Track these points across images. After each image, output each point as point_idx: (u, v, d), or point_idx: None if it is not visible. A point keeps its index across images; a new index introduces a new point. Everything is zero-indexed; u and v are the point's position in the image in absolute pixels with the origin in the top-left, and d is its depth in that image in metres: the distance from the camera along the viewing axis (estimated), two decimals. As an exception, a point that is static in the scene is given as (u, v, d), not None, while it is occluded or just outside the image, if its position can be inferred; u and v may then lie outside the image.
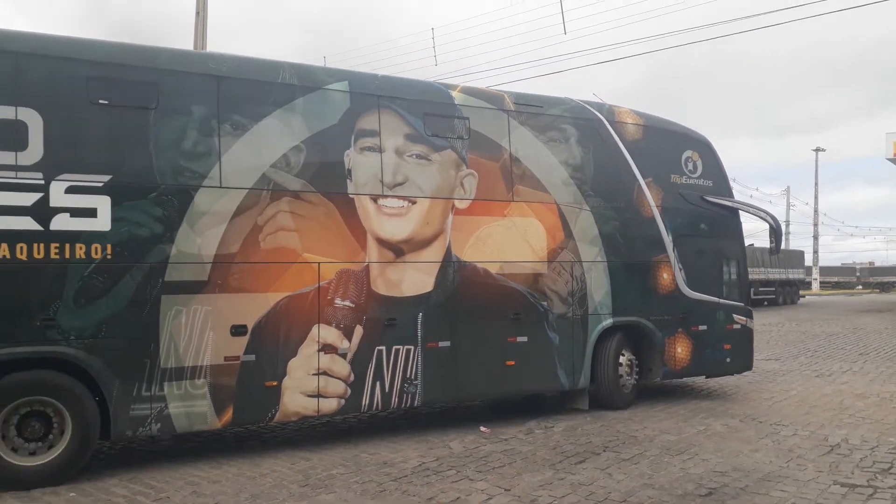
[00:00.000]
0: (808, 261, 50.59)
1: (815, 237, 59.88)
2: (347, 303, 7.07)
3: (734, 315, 9.64)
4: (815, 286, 57.77)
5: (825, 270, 65.21)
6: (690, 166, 9.56)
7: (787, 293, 35.32)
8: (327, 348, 6.91)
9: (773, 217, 10.27)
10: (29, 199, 5.75)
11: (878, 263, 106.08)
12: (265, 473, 6.11)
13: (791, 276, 35.80)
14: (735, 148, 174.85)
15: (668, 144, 9.48)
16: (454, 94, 8.11)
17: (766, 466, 6.10)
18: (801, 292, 39.58)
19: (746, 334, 9.81)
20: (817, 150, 57.38)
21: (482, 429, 7.69)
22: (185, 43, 15.95)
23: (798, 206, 78.21)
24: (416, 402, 7.42)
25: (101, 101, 6.15)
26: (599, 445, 6.92)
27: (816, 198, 58.79)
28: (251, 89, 6.88)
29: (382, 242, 7.31)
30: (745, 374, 10.20)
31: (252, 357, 6.56)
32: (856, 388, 9.92)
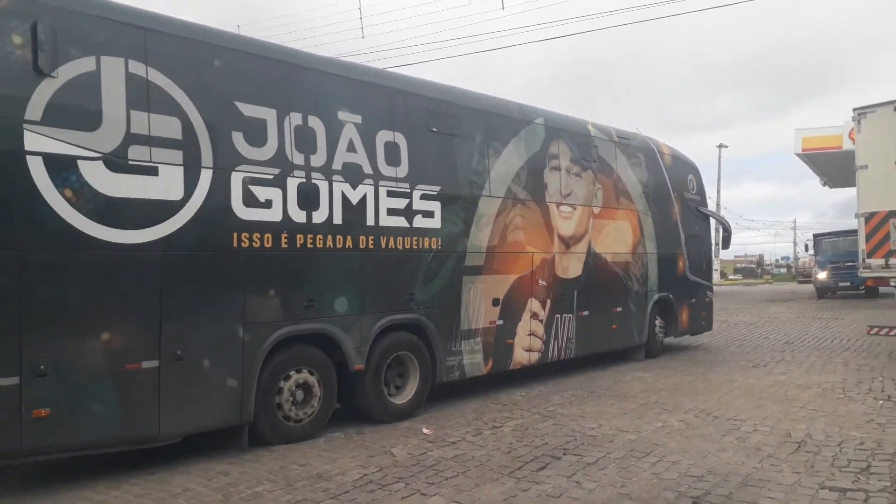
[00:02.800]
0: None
1: (717, 230, 62.12)
2: (544, 282, 9.62)
3: (707, 291, 13.72)
4: (717, 277, 60.14)
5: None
6: (691, 185, 13.25)
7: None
8: (535, 316, 9.43)
9: (727, 222, 14.82)
10: (402, 203, 7.63)
11: (767, 256, 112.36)
12: (176, 493, 5.21)
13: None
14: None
15: (682, 169, 13.04)
16: (590, 127, 10.94)
17: (740, 468, 5.69)
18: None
19: (711, 304, 14.01)
20: (720, 146, 59.22)
21: (424, 430, 7.00)
22: None
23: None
24: (571, 354, 10.17)
25: (433, 129, 8.08)
26: (557, 448, 6.35)
27: (719, 192, 60.66)
28: (501, 122, 9.14)
29: (561, 238, 9.95)
30: (684, 364, 11.38)
31: (501, 321, 8.87)
32: (795, 379, 9.83)
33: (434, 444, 6.51)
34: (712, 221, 14.37)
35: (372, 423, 7.38)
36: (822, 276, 29.44)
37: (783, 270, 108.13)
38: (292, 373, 6.66)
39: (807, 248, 34.06)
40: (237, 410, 6.20)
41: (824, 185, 35.52)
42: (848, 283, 28.48)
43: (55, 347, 5.14)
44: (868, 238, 11.54)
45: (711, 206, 14.93)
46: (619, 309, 11.13)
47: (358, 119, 7.21)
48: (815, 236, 31.90)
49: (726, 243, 15.09)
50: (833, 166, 30.52)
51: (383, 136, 7.46)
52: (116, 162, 5.48)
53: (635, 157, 11.71)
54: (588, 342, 10.39)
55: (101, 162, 5.41)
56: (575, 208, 10.19)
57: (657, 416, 7.60)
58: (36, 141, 5.09)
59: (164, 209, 5.73)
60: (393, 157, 7.51)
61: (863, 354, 12.16)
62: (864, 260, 11.66)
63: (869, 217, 11.53)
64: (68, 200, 5.20)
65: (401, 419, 7.52)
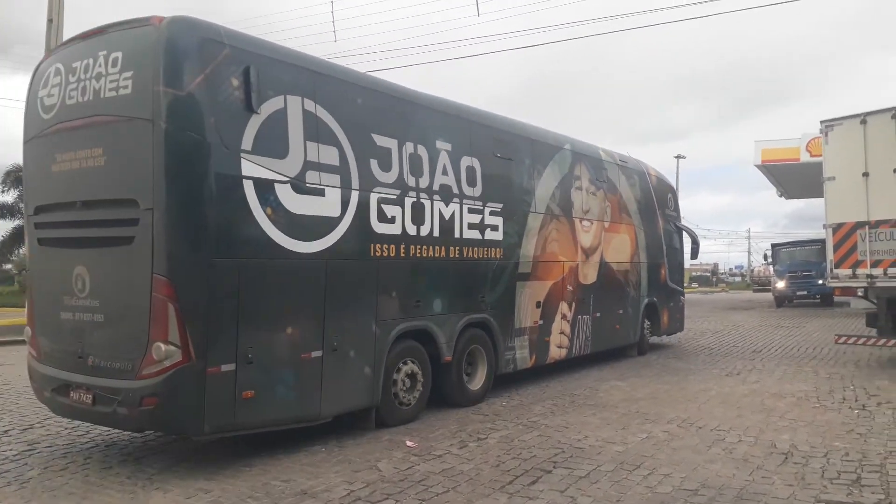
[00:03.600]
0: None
1: (687, 242, 63.08)
2: (571, 288, 11.12)
3: (681, 296, 15.75)
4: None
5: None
6: (670, 203, 15.24)
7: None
8: (564, 317, 10.92)
9: (696, 234, 16.66)
10: (477, 218, 8.97)
11: (721, 265, 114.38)
12: (155, 513, 4.96)
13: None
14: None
15: (664, 188, 15.07)
16: (601, 152, 12.57)
17: (732, 481, 5.68)
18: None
19: (684, 307, 15.99)
20: (678, 157, 59.72)
21: (409, 443, 6.85)
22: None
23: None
24: (588, 351, 11.68)
25: (497, 155, 9.47)
26: (546, 460, 6.27)
27: (677, 202, 61.93)
28: (542, 148, 10.66)
29: (583, 249, 11.53)
30: (658, 373, 11.58)
31: (542, 321, 10.33)
32: (769, 388, 9.94)
33: (420, 458, 6.36)
34: (685, 234, 16.21)
35: (353, 436, 7.19)
36: (781, 285, 30.15)
37: (738, 279, 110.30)
38: (402, 364, 7.84)
39: (766, 258, 34.75)
40: (370, 394, 7.34)
41: (780, 195, 36.41)
42: (805, 292, 29.31)
43: (258, 339, 6.10)
44: (836, 248, 11.78)
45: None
46: (621, 311, 12.83)
47: (449, 147, 8.56)
48: (774, 246, 32.61)
49: (695, 254, 16.69)
50: (790, 178, 31.32)
51: (465, 161, 8.82)
52: (299, 185, 6.55)
53: (632, 178, 13.47)
54: (600, 340, 12.03)
55: (289, 185, 6.46)
56: (592, 223, 11.86)
57: (641, 427, 7.57)
58: (249, 167, 6.10)
59: (328, 224, 6.86)
60: (471, 178, 8.90)
61: (831, 363, 12.39)
62: (831, 270, 11.89)
63: (836, 228, 11.78)
64: (268, 217, 6.25)
65: (475, 403, 8.93)
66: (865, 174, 11.43)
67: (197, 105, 5.80)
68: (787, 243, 32.74)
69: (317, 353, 6.63)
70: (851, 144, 11.66)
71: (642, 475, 5.84)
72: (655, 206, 14.27)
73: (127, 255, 5.86)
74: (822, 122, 12.14)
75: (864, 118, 11.60)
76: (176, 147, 5.71)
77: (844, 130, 11.84)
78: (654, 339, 14.71)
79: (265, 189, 6.21)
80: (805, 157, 27.01)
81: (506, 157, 9.63)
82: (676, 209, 15.63)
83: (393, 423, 7.60)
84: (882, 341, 11.60)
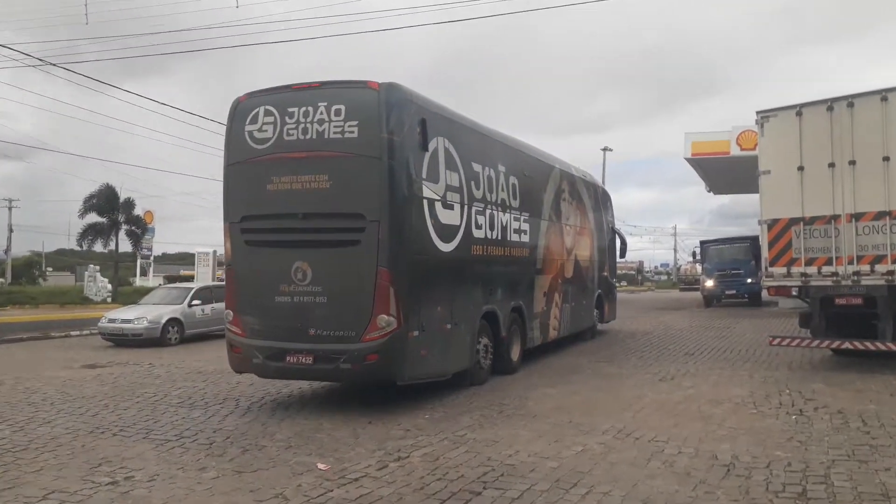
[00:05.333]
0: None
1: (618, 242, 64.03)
2: (560, 281, 14.23)
3: (615, 290, 20.04)
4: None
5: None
6: (610, 208, 18.97)
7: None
8: (556, 304, 13.94)
9: (624, 236, 20.43)
10: (517, 225, 12.04)
11: (646, 263, 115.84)
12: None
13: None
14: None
15: (605, 196, 18.72)
16: (573, 170, 15.88)
17: (675, 497, 5.37)
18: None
19: (616, 299, 20.01)
20: (605, 149, 59.90)
21: (320, 466, 6.31)
22: None
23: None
24: (566, 333, 14.90)
25: (525, 174, 12.50)
26: (475, 480, 5.84)
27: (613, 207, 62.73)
28: (545, 168, 14.09)
29: (566, 249, 14.81)
30: (590, 377, 11.58)
31: (546, 308, 13.42)
32: (704, 393, 9.81)
33: (333, 483, 5.83)
34: (617, 236, 19.56)
35: (252, 456, 6.60)
36: (710, 284, 30.72)
37: (664, 278, 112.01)
38: (480, 338, 10.53)
39: (694, 256, 35.39)
40: (469, 359, 10.19)
41: (708, 191, 37.18)
42: (734, 291, 29.92)
43: (426, 313, 8.89)
44: (770, 245, 11.75)
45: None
46: (584, 301, 16.27)
47: (504, 169, 11.55)
48: (702, 243, 33.18)
49: (623, 253, 20.08)
50: (718, 172, 31.88)
51: (512, 180, 11.81)
52: (444, 201, 9.45)
53: (590, 189, 17.06)
54: (573, 324, 15.25)
55: (439, 203, 9.32)
56: (571, 227, 15.22)
57: (575, 439, 7.24)
58: (425, 190, 8.96)
59: (454, 231, 9.73)
60: (514, 193, 11.94)
61: (764, 366, 12.42)
62: (766, 268, 11.87)
63: (772, 224, 11.73)
64: (432, 225, 9.13)
65: (514, 372, 11.72)
66: (800, 168, 11.39)
67: (404, 146, 8.54)
68: (716, 241, 33.25)
69: (448, 326, 9.46)
70: (787, 137, 11.59)
71: (580, 494, 5.48)
72: (602, 211, 17.90)
73: (353, 253, 8.41)
74: (757, 112, 12.00)
75: (799, 109, 11.54)
76: (395, 176, 8.42)
77: (779, 122, 11.75)
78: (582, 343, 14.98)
79: (430, 205, 9.07)
80: (735, 151, 27.37)
81: (529, 175, 12.75)
82: (612, 213, 19.22)
83: (476, 383, 10.44)
84: (816, 342, 11.64)
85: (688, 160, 29.83)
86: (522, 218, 12.21)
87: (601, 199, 18.04)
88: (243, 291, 9.07)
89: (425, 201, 8.90)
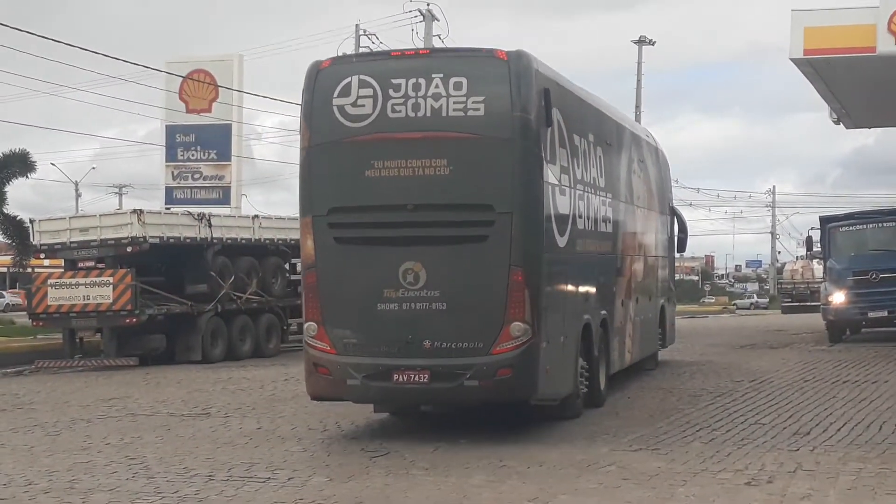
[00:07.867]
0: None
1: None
2: (633, 285, 12.26)
3: (675, 300, 17.10)
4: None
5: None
6: (669, 179, 15.45)
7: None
8: (630, 317, 12.08)
9: (684, 219, 15.82)
10: (604, 210, 10.51)
11: (717, 258, 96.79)
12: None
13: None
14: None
15: (666, 164, 15.07)
16: (639, 130, 14.29)
17: None
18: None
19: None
20: (641, 41, 37.86)
21: None
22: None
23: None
24: (636, 359, 12.73)
25: (607, 142, 10.80)
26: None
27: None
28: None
29: (638, 242, 12.85)
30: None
31: (622, 322, 11.72)
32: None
33: None
34: (676, 220, 15.36)
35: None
36: (840, 297, 18.41)
37: (749, 289, 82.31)
38: (579, 357, 9.22)
39: (809, 245, 23.09)
40: (573, 382, 9.04)
41: (837, 121, 24.05)
42: (886, 313, 18.57)
43: (549, 323, 8.17)
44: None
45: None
46: (650, 315, 13.40)
47: (593, 139, 10.30)
48: (825, 222, 20.08)
49: (682, 246, 15.92)
50: (856, 85, 19.49)
51: (598, 153, 10.31)
52: (559, 187, 8.72)
53: (652, 154, 13.85)
54: (642, 347, 12.54)
55: (557, 188, 8.60)
56: (641, 211, 12.67)
57: None
58: (549, 174, 8.36)
59: (566, 221, 8.87)
60: (601, 170, 10.45)
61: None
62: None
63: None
64: (554, 217, 8.46)
65: (601, 405, 9.94)
66: None
67: (535, 125, 7.96)
68: (852, 217, 20.42)
69: (562, 339, 8.60)
70: None
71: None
72: (665, 187, 14.49)
73: (479, 251, 7.89)
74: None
75: None
76: (529, 161, 7.94)
77: None
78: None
79: (552, 192, 8.32)
80: (887, 45, 15.67)
81: (610, 144, 10.88)
82: (671, 187, 15.50)
83: (571, 416, 8.97)
84: None
85: (796, 62, 16.98)
86: (607, 201, 10.49)
87: (663, 169, 14.43)
88: (333, 299, 8.20)
89: (549, 187, 8.27)
